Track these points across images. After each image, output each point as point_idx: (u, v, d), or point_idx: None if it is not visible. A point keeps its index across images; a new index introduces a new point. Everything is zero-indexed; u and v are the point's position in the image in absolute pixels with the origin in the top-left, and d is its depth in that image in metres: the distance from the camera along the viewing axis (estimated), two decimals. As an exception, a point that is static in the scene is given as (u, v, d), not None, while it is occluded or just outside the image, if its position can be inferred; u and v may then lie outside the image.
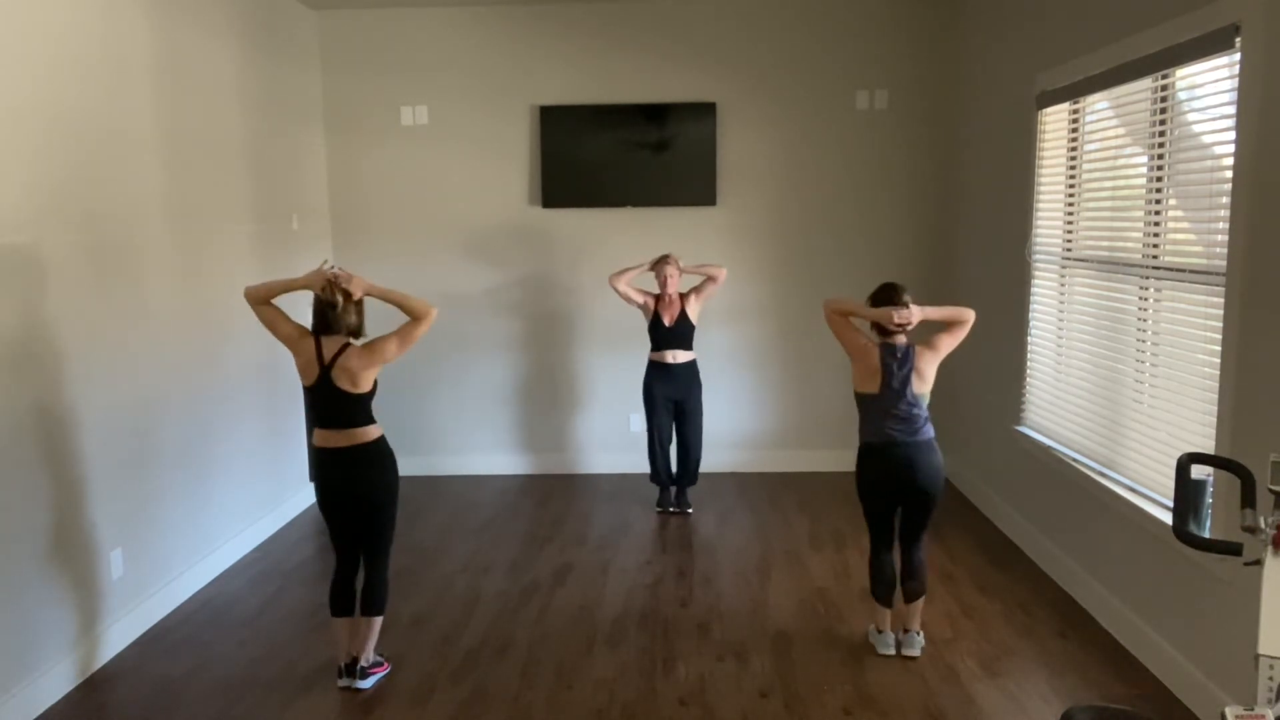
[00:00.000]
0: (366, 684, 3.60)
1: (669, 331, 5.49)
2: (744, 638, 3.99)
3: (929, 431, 3.70)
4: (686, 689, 3.57)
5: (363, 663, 3.61)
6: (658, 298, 5.52)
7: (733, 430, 6.50)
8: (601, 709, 3.44)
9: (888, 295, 3.78)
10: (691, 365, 5.56)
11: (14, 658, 3.36)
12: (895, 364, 3.69)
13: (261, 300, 3.48)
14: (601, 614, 4.26)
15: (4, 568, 3.32)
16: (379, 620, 3.63)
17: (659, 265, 5.47)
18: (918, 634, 3.81)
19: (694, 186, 6.27)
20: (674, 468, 5.73)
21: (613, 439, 6.59)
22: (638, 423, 6.56)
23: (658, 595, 4.45)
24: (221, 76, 4.96)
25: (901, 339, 3.75)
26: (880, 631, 3.86)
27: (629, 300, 5.52)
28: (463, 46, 6.31)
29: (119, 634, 3.96)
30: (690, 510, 5.67)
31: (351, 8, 6.24)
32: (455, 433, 6.58)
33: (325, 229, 6.42)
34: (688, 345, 5.53)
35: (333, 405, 3.46)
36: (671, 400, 5.56)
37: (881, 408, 3.69)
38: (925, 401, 3.71)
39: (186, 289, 4.58)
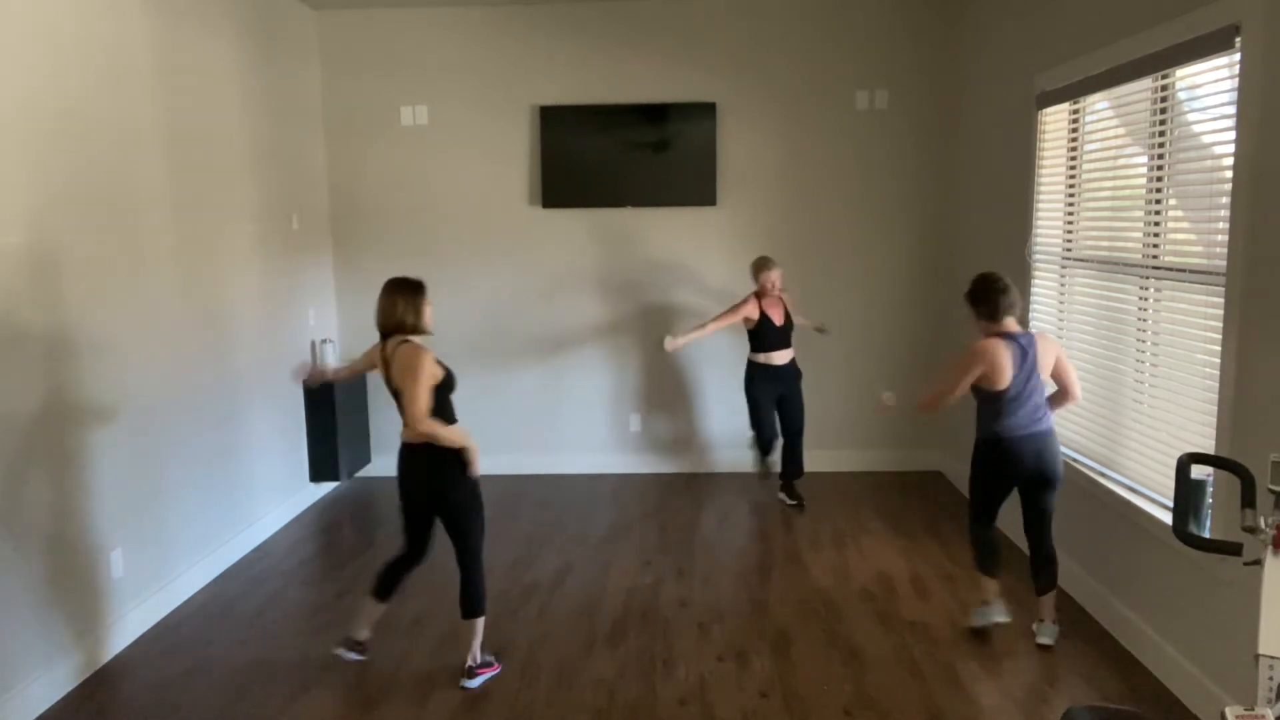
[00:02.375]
0: (473, 684, 3.63)
1: (780, 331, 5.52)
2: (744, 638, 3.99)
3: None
4: (686, 689, 3.58)
5: (470, 663, 3.64)
6: (758, 298, 5.50)
7: (733, 430, 6.50)
8: (601, 709, 3.45)
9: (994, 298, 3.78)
10: (793, 363, 5.64)
11: (15, 657, 3.37)
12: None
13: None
14: (601, 614, 4.26)
15: (5, 567, 3.33)
16: (478, 622, 3.65)
17: (763, 271, 5.46)
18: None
19: (694, 186, 6.28)
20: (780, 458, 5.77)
21: (613, 439, 6.60)
22: (637, 423, 6.57)
23: (658, 595, 4.45)
24: (222, 76, 4.96)
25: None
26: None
27: (729, 322, 5.54)
28: (463, 46, 6.31)
29: (120, 633, 3.97)
30: (803, 504, 5.72)
31: (351, 8, 6.24)
32: (455, 433, 6.58)
33: (325, 229, 6.43)
34: (790, 344, 5.60)
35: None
36: (776, 394, 5.62)
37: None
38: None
39: (187, 289, 4.58)
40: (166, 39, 4.43)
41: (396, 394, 3.52)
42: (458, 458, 3.54)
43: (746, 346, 5.64)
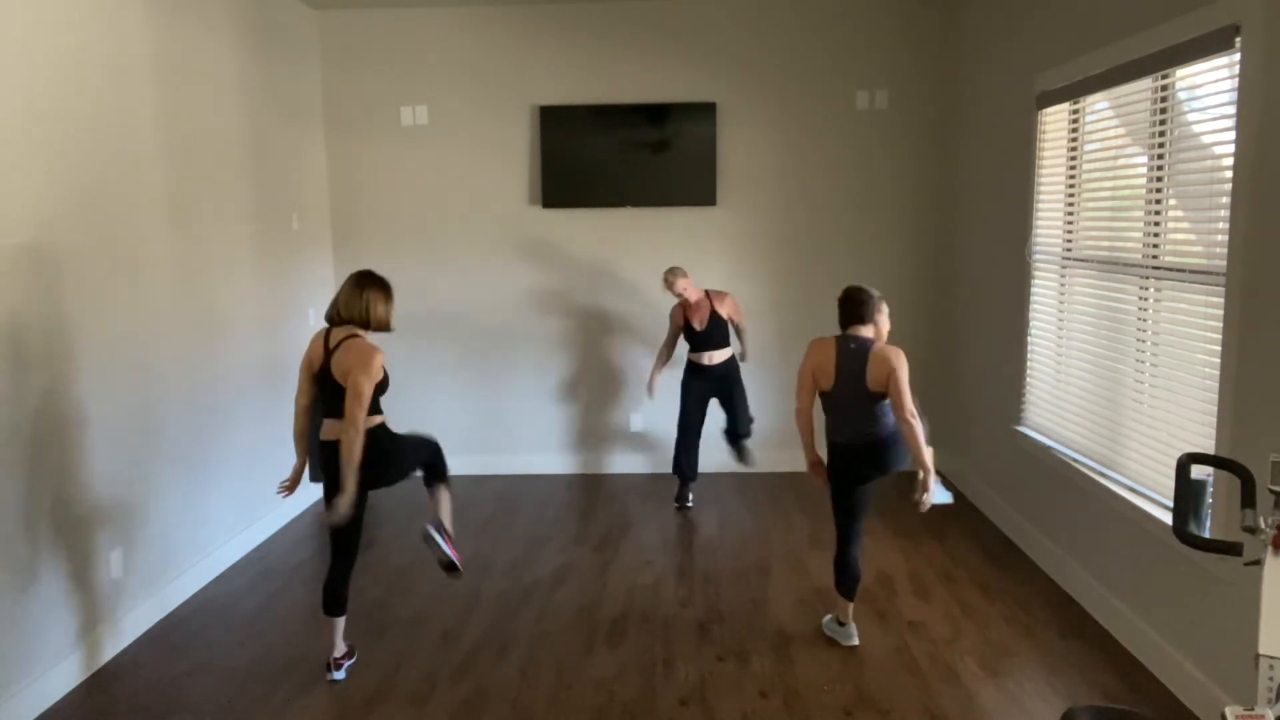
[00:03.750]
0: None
1: (702, 335, 5.56)
2: (744, 638, 3.99)
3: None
4: (686, 689, 3.58)
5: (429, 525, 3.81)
6: (682, 308, 5.59)
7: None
8: (601, 709, 3.45)
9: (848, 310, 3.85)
10: (730, 362, 5.64)
11: (14, 657, 3.37)
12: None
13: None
14: (601, 614, 4.26)
15: (4, 568, 3.33)
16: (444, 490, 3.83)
17: (668, 283, 5.52)
18: None
19: (694, 186, 6.28)
20: (698, 467, 5.85)
21: (613, 439, 6.60)
22: (638, 422, 6.57)
23: (658, 595, 4.45)
24: (222, 76, 4.96)
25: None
26: None
27: (673, 340, 5.71)
28: (463, 46, 6.31)
29: (119, 634, 3.97)
30: (753, 463, 5.85)
31: (351, 8, 6.24)
32: (454, 433, 6.58)
33: (325, 229, 6.43)
34: (723, 344, 5.60)
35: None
36: (709, 395, 5.66)
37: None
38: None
39: (187, 288, 4.58)
40: (166, 38, 4.43)
41: (332, 386, 3.48)
42: (377, 443, 3.53)
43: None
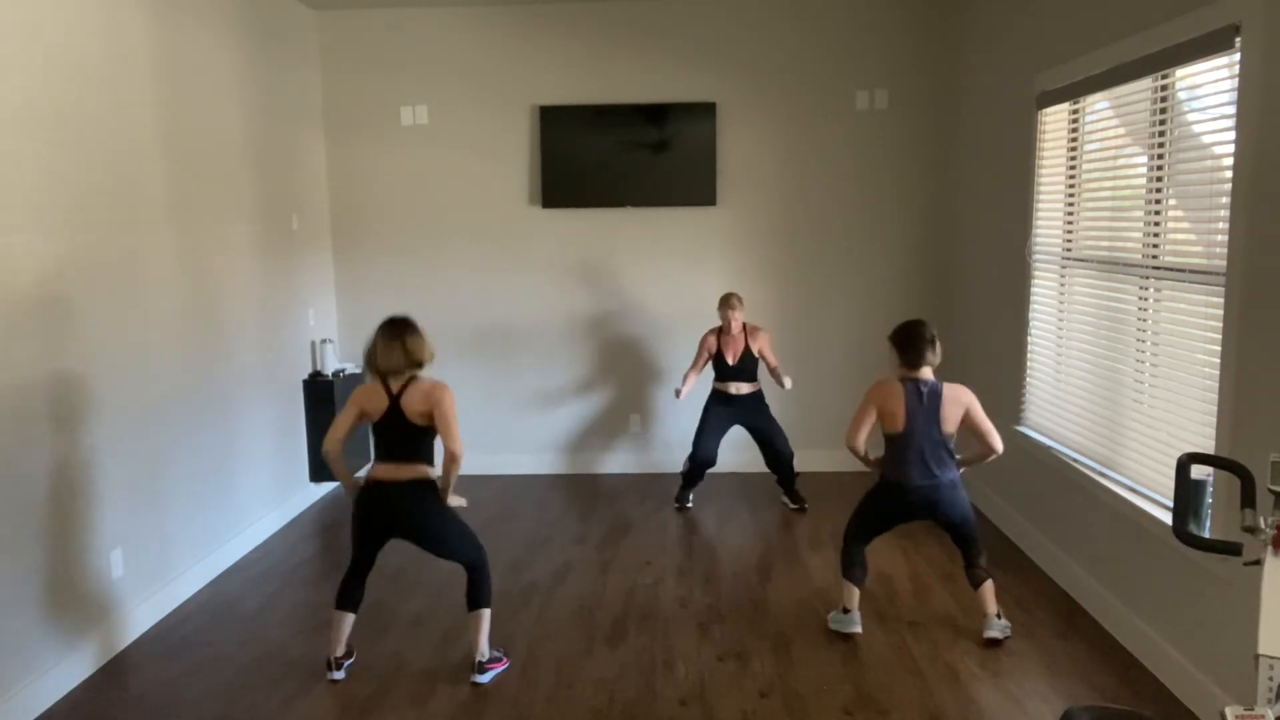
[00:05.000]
0: (484, 678, 3.64)
1: (733, 369, 5.59)
2: (744, 638, 3.99)
3: None
4: (686, 689, 3.58)
5: (479, 658, 3.65)
6: (718, 334, 5.62)
7: (732, 430, 6.50)
8: (601, 709, 3.45)
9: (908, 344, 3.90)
10: (756, 395, 5.65)
11: (15, 657, 3.37)
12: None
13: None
14: (601, 614, 4.26)
15: (5, 567, 3.33)
16: (485, 613, 3.68)
17: (722, 309, 5.56)
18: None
19: (694, 186, 6.28)
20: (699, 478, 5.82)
21: (613, 439, 6.60)
22: (638, 423, 6.57)
23: (658, 595, 4.45)
24: (221, 76, 4.96)
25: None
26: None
27: (702, 365, 5.69)
28: (463, 46, 6.31)
29: (120, 633, 3.97)
30: (805, 506, 5.72)
31: (351, 8, 6.24)
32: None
33: (325, 229, 6.43)
34: (751, 378, 5.62)
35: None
36: (732, 422, 5.67)
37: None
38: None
39: (187, 289, 4.58)
40: (166, 38, 4.43)
41: (401, 430, 3.56)
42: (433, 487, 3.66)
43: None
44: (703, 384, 5.97)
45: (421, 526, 3.60)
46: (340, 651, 3.70)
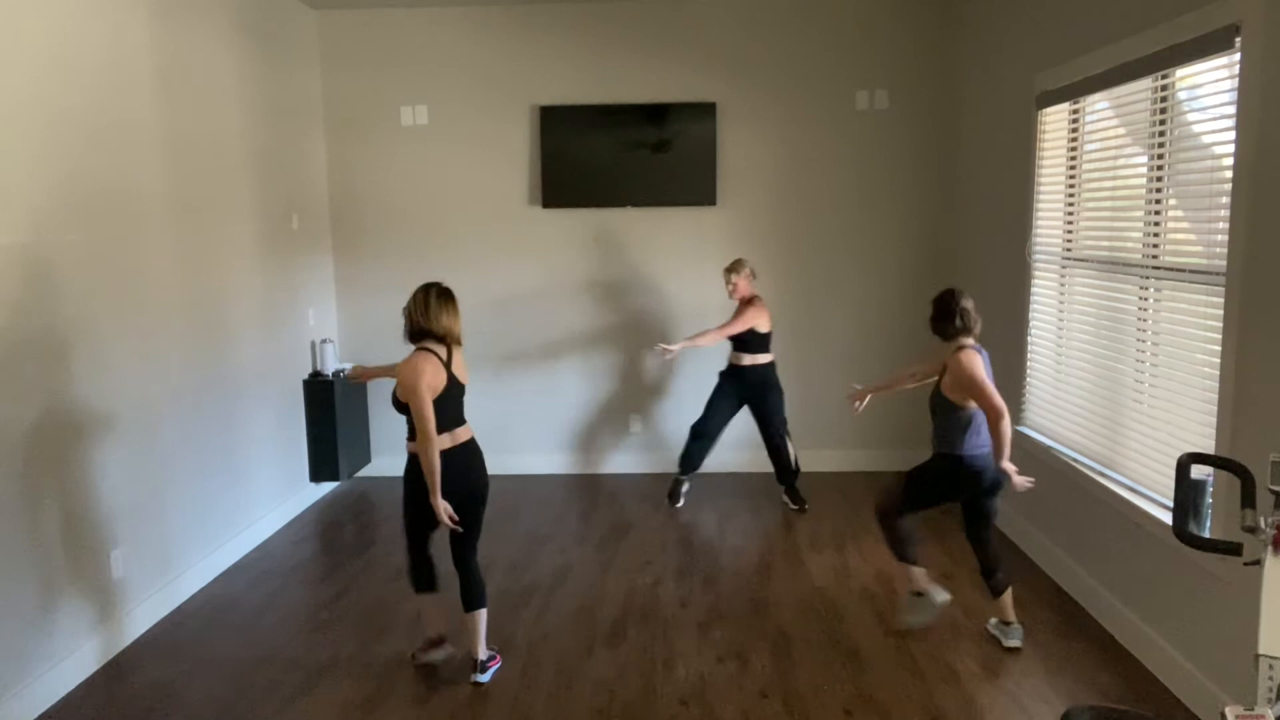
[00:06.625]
0: (485, 677, 3.66)
1: (735, 338, 5.56)
2: (744, 638, 3.99)
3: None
4: (686, 689, 3.58)
5: (480, 657, 3.66)
6: (753, 305, 5.56)
7: (733, 430, 6.49)
8: (601, 709, 3.45)
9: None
10: (756, 369, 5.58)
11: (16, 656, 3.37)
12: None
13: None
14: (601, 614, 4.26)
15: (4, 568, 3.33)
16: (481, 614, 3.68)
17: (726, 273, 5.55)
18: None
19: (694, 186, 6.28)
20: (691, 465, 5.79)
21: (613, 439, 6.60)
22: (637, 423, 6.58)
23: (658, 595, 4.45)
24: (222, 76, 4.96)
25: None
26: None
27: (733, 331, 5.52)
28: (463, 46, 6.31)
29: (120, 633, 3.97)
30: (805, 506, 5.70)
31: (351, 8, 6.24)
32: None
33: (325, 229, 6.43)
34: (750, 349, 5.56)
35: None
36: (736, 397, 5.64)
37: None
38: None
39: (187, 289, 4.58)
40: (166, 39, 4.43)
41: (460, 398, 3.59)
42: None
43: (749, 347, 5.66)
44: (723, 357, 5.90)
45: (487, 485, 3.69)
46: (432, 633, 3.75)
